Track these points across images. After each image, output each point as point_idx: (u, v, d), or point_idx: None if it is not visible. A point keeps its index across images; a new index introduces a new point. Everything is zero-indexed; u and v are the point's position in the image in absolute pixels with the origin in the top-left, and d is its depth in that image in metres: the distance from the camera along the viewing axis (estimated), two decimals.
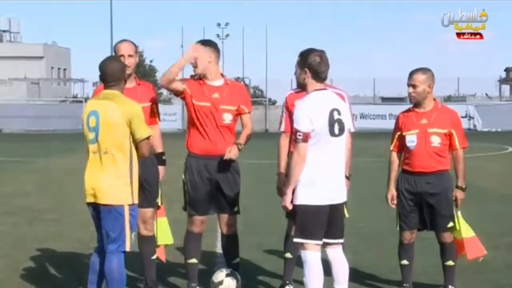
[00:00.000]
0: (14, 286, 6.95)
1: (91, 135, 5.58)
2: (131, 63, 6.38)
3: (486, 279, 7.11)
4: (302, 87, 5.74)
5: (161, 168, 6.64)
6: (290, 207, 5.57)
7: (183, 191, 6.57)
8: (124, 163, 5.54)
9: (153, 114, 6.58)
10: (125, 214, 5.53)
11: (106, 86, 5.71)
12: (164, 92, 71.19)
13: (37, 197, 13.85)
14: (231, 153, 6.30)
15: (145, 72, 69.76)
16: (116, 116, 5.50)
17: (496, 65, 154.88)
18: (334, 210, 5.59)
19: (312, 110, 5.48)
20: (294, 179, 5.51)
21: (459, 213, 6.49)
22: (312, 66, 5.58)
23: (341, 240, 5.73)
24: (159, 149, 6.66)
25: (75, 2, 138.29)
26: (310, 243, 5.53)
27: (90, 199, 5.62)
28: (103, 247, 5.69)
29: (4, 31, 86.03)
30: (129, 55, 6.38)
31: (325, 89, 5.68)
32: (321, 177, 5.50)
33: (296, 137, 5.49)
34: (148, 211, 6.52)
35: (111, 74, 5.65)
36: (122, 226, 5.54)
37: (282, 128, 6.61)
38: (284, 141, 6.60)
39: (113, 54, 6.46)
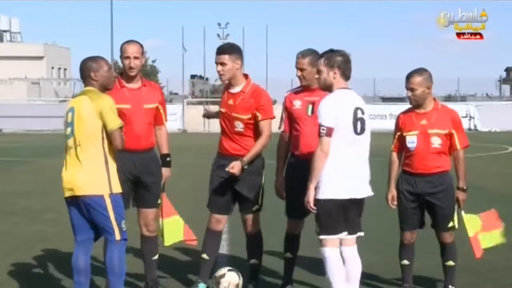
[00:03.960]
0: (15, 286, 6.95)
1: (68, 131, 5.75)
2: (136, 65, 6.39)
3: (486, 279, 7.11)
4: (326, 88, 5.78)
5: (166, 170, 6.64)
6: (312, 204, 5.63)
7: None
8: (99, 155, 5.65)
9: (159, 115, 6.59)
10: (106, 204, 5.61)
11: (84, 84, 5.91)
12: (165, 91, 71.30)
13: (37, 197, 13.85)
14: (234, 169, 6.26)
15: (146, 72, 69.77)
16: (88, 108, 5.64)
17: (496, 65, 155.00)
18: (353, 204, 5.66)
19: (338, 107, 5.60)
20: (317, 174, 5.58)
21: (462, 213, 6.49)
22: (340, 65, 5.71)
23: (355, 235, 5.78)
24: (164, 150, 6.67)
25: (75, 2, 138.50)
26: (331, 238, 5.61)
27: (68, 193, 5.72)
28: (81, 243, 5.78)
29: (4, 31, 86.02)
30: (135, 57, 6.39)
31: (349, 88, 5.76)
32: (345, 172, 5.58)
33: (319, 131, 5.56)
34: (150, 212, 6.53)
35: (81, 74, 5.86)
36: (106, 216, 5.62)
37: (282, 128, 6.63)
38: (283, 141, 6.61)
39: (120, 53, 6.49)
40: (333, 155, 5.57)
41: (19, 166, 21.50)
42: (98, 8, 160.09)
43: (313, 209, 5.67)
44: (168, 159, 6.68)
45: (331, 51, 5.81)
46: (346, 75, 5.75)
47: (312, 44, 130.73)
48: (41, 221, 10.84)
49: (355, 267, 5.78)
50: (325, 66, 5.77)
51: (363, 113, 5.70)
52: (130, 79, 6.43)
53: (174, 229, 6.70)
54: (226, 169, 6.30)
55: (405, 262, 6.52)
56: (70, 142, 5.73)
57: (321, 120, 5.58)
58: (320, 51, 6.27)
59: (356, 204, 5.72)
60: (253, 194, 6.51)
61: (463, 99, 57.71)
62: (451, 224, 6.41)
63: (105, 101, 5.68)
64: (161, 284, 6.76)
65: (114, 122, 5.64)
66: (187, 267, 7.59)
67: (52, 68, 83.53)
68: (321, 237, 5.67)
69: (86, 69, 5.83)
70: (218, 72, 6.40)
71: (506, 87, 71.01)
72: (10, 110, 49.16)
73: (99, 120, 5.63)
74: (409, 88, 6.35)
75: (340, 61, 5.73)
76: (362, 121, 5.67)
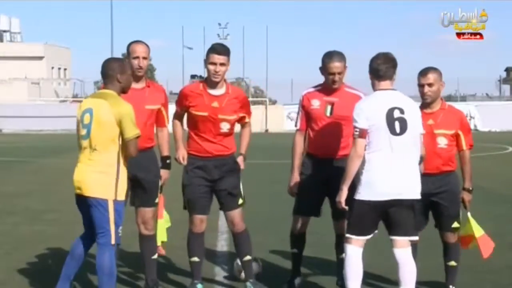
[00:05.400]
0: (15, 286, 6.96)
1: (83, 131, 5.76)
2: (145, 65, 6.44)
3: (486, 279, 7.12)
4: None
5: (165, 172, 6.66)
6: (343, 204, 5.71)
7: (182, 191, 6.61)
8: (112, 161, 5.69)
9: (161, 117, 6.61)
10: (108, 208, 5.68)
11: (103, 85, 5.93)
12: None
13: (37, 197, 13.86)
14: (242, 166, 6.60)
15: None
16: (107, 115, 5.66)
17: (496, 65, 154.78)
18: (396, 206, 5.67)
19: (369, 108, 5.67)
20: (350, 175, 5.65)
21: (468, 214, 6.50)
22: (371, 67, 5.82)
23: (408, 238, 5.79)
24: (165, 152, 6.68)
25: (75, 2, 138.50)
26: (356, 238, 5.72)
27: (77, 192, 5.81)
28: (87, 235, 5.92)
29: (4, 31, 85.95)
30: (144, 57, 6.42)
31: (391, 89, 5.80)
32: (382, 174, 5.60)
33: (353, 133, 5.65)
34: (148, 211, 6.54)
35: (104, 73, 5.84)
36: (106, 219, 5.70)
37: (298, 126, 6.62)
38: (299, 139, 6.61)
39: (127, 53, 6.50)
40: (368, 156, 5.62)
41: (19, 166, 21.51)
42: (98, 8, 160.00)
43: (345, 208, 5.75)
44: (168, 161, 6.69)
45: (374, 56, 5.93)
46: (378, 75, 5.78)
47: (312, 44, 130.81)
48: (41, 221, 10.85)
49: (409, 270, 5.77)
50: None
51: (402, 112, 5.67)
52: (135, 79, 6.43)
53: (162, 230, 6.78)
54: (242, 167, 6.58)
55: None
56: (85, 143, 5.75)
57: (354, 122, 5.66)
58: (322, 53, 6.40)
59: (400, 206, 5.68)
60: (237, 190, 6.56)
61: (463, 99, 57.75)
62: (455, 224, 6.40)
63: (125, 109, 5.69)
64: (161, 284, 6.77)
65: (132, 131, 5.68)
66: (186, 267, 7.59)
67: (52, 68, 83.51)
68: (347, 235, 5.78)
69: (112, 69, 5.81)
70: (216, 72, 6.35)
71: (506, 87, 71.08)
72: (10, 110, 49.23)
73: (118, 128, 5.66)
74: (427, 84, 6.30)
75: (370, 64, 5.83)
76: (402, 120, 5.65)
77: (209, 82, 6.45)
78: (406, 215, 5.75)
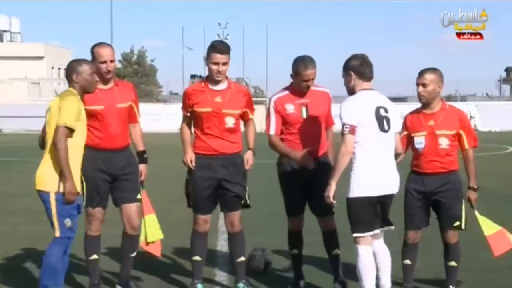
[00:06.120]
0: (14, 286, 6.95)
1: (46, 129, 5.98)
2: (113, 68, 6.47)
3: (486, 279, 7.12)
4: (350, 92, 5.94)
5: (143, 166, 6.67)
6: (332, 198, 5.76)
7: (185, 190, 6.58)
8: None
9: (132, 113, 6.65)
10: (50, 200, 5.87)
11: (68, 85, 6.08)
12: (165, 91, 71.25)
13: (37, 197, 13.79)
14: (250, 162, 6.51)
15: (145, 72, 69.72)
16: (55, 107, 5.84)
17: (496, 65, 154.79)
18: (381, 201, 5.85)
19: (357, 106, 5.78)
20: (339, 170, 5.73)
21: (476, 212, 6.53)
22: (354, 69, 5.87)
23: (384, 229, 5.98)
24: (140, 147, 6.73)
25: (75, 2, 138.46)
26: (363, 236, 5.80)
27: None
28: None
29: (4, 31, 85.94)
30: (111, 61, 6.45)
31: (372, 89, 5.90)
32: (373, 170, 5.74)
33: (343, 130, 5.72)
34: (132, 206, 6.52)
35: (66, 74, 6.07)
36: (50, 212, 5.88)
37: (272, 131, 6.59)
38: (277, 139, 6.57)
39: (92, 57, 6.48)
40: (359, 153, 5.73)
41: (19, 166, 21.50)
42: (98, 8, 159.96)
43: (333, 203, 5.79)
44: (145, 155, 6.73)
45: (350, 56, 5.96)
46: (365, 77, 5.89)
47: (312, 44, 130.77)
48: (41, 221, 10.77)
49: (385, 257, 5.98)
50: (343, 72, 5.97)
51: (386, 111, 5.84)
52: (104, 81, 6.46)
53: (154, 227, 6.74)
54: (247, 167, 6.48)
55: (407, 261, 6.51)
56: (46, 139, 5.95)
57: (343, 119, 5.74)
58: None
59: (383, 201, 5.88)
60: (242, 192, 6.55)
61: (463, 99, 57.76)
62: (457, 223, 6.40)
63: (67, 100, 5.82)
64: (134, 282, 6.71)
65: (62, 119, 5.74)
66: (186, 267, 7.59)
67: (52, 68, 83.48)
68: (355, 235, 5.84)
69: (70, 71, 5.99)
70: (219, 72, 6.36)
71: (506, 87, 71.11)
72: (10, 110, 49.19)
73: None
74: (421, 84, 6.33)
75: (354, 65, 5.88)
76: (387, 119, 5.83)
77: (211, 79, 6.46)
78: (388, 208, 5.96)
